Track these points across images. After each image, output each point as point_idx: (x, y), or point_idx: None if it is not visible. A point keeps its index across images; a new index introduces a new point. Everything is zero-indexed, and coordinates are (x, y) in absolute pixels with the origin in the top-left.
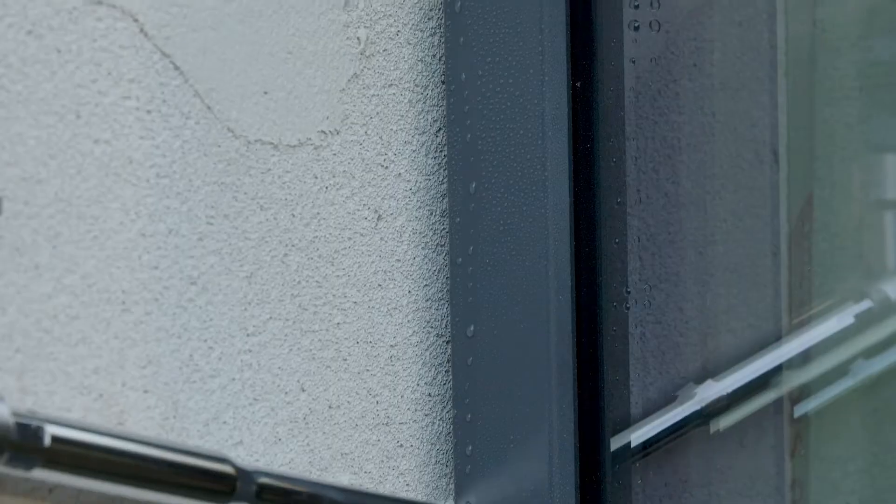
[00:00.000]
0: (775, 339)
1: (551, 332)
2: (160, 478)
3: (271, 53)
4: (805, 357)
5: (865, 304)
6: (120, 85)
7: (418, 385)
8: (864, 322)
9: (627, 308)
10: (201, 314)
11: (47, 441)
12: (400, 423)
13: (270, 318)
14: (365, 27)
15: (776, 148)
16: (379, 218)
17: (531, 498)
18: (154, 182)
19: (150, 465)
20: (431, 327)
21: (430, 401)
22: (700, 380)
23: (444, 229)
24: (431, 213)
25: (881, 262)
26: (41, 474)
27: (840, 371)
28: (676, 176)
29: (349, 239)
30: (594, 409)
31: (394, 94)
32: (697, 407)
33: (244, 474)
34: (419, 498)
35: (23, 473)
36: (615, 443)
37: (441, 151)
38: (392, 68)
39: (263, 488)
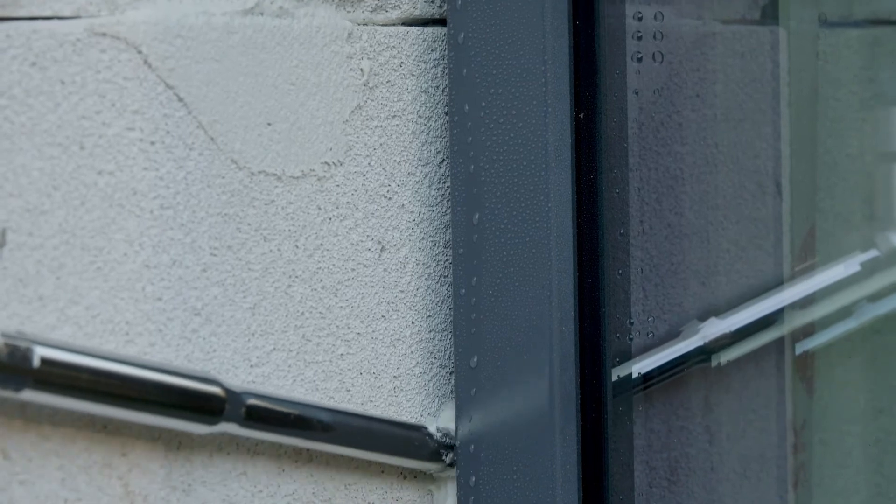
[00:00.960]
0: (781, 282)
1: (555, 363)
2: (149, 399)
3: (275, 85)
4: (810, 300)
5: (872, 253)
6: (124, 116)
7: (422, 416)
8: (869, 269)
9: (630, 339)
10: (205, 345)
11: (36, 362)
12: None
13: (274, 349)
14: (368, 59)
15: (779, 179)
16: (382, 249)
17: None
18: (158, 213)
19: (139, 386)
20: (435, 358)
21: None
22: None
23: (447, 260)
24: (435, 244)
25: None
26: (30, 395)
27: (844, 312)
28: (679, 207)
29: (353, 270)
30: (598, 442)
31: (397, 125)
32: (700, 343)
33: (233, 395)
34: None
35: (12, 395)
36: (616, 373)
37: (444, 182)
38: (395, 100)
39: (252, 409)
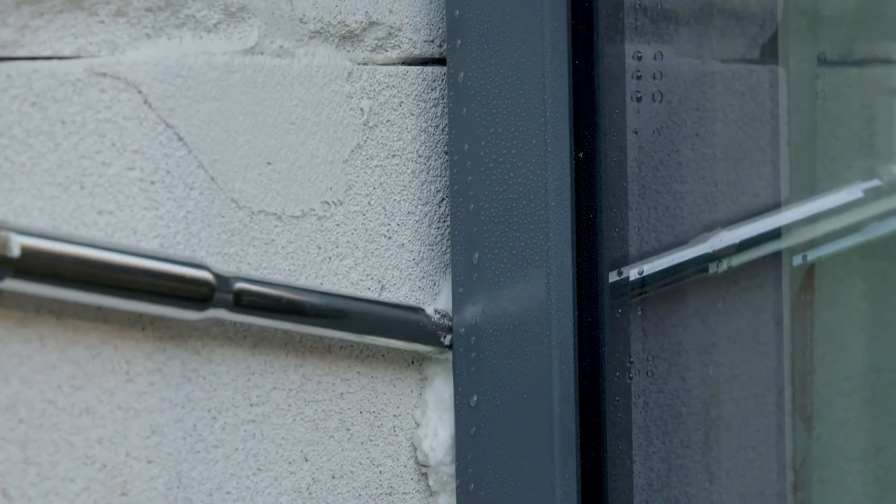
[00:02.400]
0: (784, 203)
1: (554, 402)
2: (136, 286)
3: (275, 124)
4: (814, 219)
5: (874, 182)
6: (124, 156)
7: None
8: (871, 196)
9: (630, 378)
10: (205, 384)
11: (16, 251)
12: (403, 494)
13: (274, 388)
14: (368, 98)
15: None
16: (382, 288)
17: None
18: (158, 253)
19: (125, 273)
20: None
21: None
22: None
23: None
24: (434, 284)
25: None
26: (11, 285)
27: (848, 230)
28: (679, 246)
29: None
30: (597, 479)
31: (397, 164)
32: (708, 251)
33: (222, 280)
34: None
35: None
36: (612, 276)
37: (444, 222)
38: (395, 139)
39: (241, 294)
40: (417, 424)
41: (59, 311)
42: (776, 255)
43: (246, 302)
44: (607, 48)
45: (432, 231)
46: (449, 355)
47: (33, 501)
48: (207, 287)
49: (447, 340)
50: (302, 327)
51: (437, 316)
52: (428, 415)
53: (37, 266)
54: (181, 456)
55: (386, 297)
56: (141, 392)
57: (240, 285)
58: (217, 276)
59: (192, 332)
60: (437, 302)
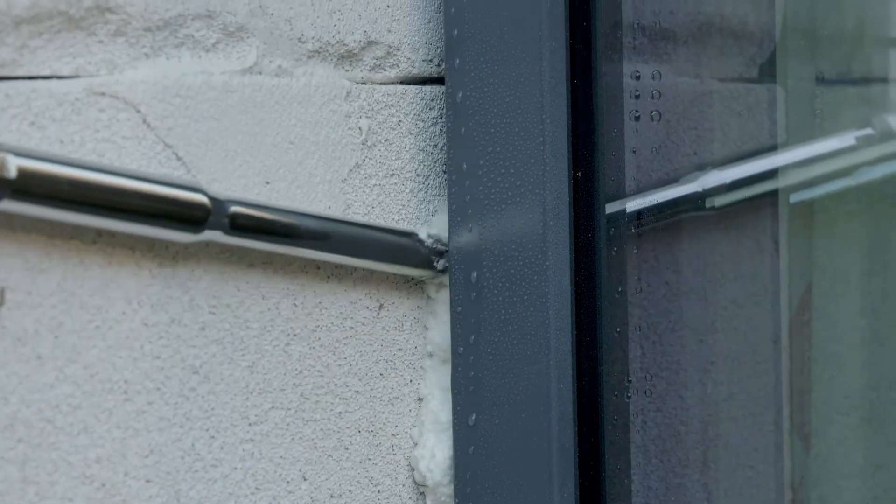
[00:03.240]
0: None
1: (552, 421)
2: (132, 207)
3: (273, 144)
4: (807, 162)
5: (867, 131)
6: None
7: None
8: (864, 143)
9: (628, 397)
10: (203, 403)
11: (12, 172)
12: None
13: (272, 407)
14: (366, 117)
15: (776, 237)
16: (381, 307)
17: None
18: (156, 272)
19: (121, 195)
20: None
21: None
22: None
23: None
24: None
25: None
26: (8, 206)
27: (840, 173)
28: (677, 264)
29: (351, 328)
30: (595, 499)
31: (395, 183)
32: (698, 189)
33: (217, 203)
34: None
35: None
36: (610, 209)
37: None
38: (394, 158)
39: (237, 217)
40: (415, 444)
41: (58, 328)
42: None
43: (241, 225)
44: (605, 67)
45: None
46: (443, 279)
47: None
48: (203, 210)
49: (440, 265)
50: (296, 250)
51: (431, 240)
52: (425, 435)
53: (33, 187)
54: (179, 475)
55: (384, 316)
56: (139, 411)
57: (235, 208)
58: (212, 199)
59: (190, 349)
60: (430, 227)
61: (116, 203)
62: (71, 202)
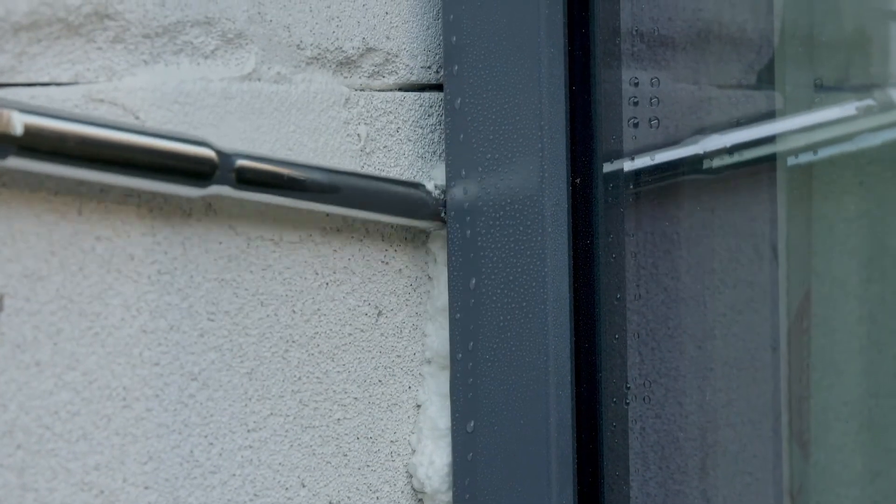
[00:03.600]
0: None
1: (551, 428)
2: (139, 163)
3: (272, 150)
4: (807, 129)
5: (867, 101)
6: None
7: None
8: (864, 112)
9: (627, 404)
10: (202, 410)
11: (19, 129)
12: None
13: (271, 413)
14: (365, 124)
15: (775, 243)
16: (379, 314)
17: None
18: (155, 278)
19: (127, 150)
20: (434, 426)
21: None
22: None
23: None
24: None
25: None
26: (15, 163)
27: (840, 139)
28: (676, 271)
29: (349, 335)
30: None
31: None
32: (699, 151)
33: (224, 157)
34: None
35: None
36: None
37: (441, 248)
38: (392, 164)
39: (243, 170)
40: (413, 451)
41: (57, 335)
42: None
43: (247, 178)
44: (604, 74)
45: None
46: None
47: None
48: (209, 164)
49: (446, 216)
50: (303, 203)
51: (437, 191)
52: (423, 442)
53: (40, 144)
54: (178, 482)
55: (382, 322)
56: (138, 418)
57: (241, 162)
58: (219, 152)
59: (189, 356)
60: (434, 178)
61: (123, 158)
62: (77, 158)
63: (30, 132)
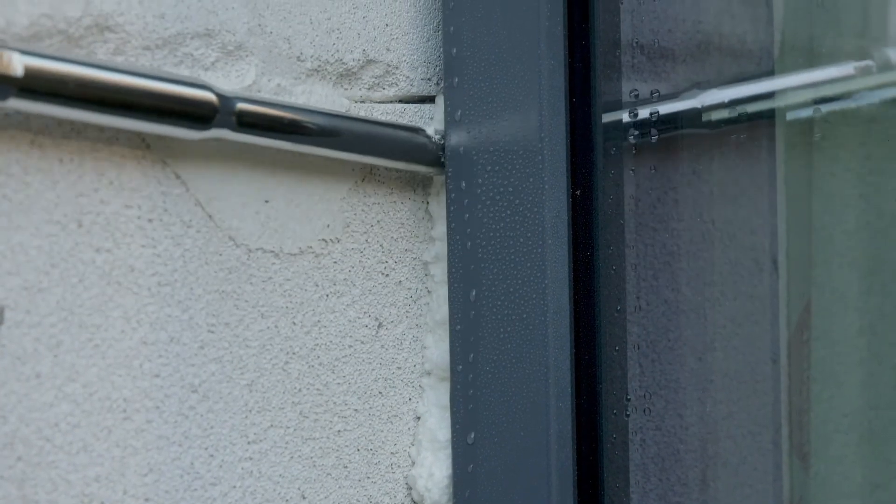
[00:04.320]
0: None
1: (551, 439)
2: (140, 105)
3: (273, 162)
4: (807, 87)
5: (867, 62)
6: (121, 194)
7: None
8: (862, 72)
9: (627, 415)
10: (202, 422)
11: (19, 70)
12: None
13: (271, 425)
14: None
15: (776, 256)
16: (380, 326)
17: None
18: (155, 290)
19: (128, 93)
20: (434, 437)
21: None
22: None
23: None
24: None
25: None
26: (16, 104)
27: (839, 97)
28: (676, 283)
29: (350, 347)
30: None
31: (394, 202)
32: (697, 105)
33: (225, 100)
34: None
35: None
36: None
37: (441, 260)
38: (393, 176)
39: (244, 114)
40: (413, 463)
41: (57, 347)
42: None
43: (248, 121)
44: (604, 86)
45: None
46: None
47: None
48: (210, 107)
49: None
50: (302, 147)
51: (438, 136)
52: (423, 453)
53: (40, 85)
54: (178, 494)
55: (383, 334)
56: (138, 430)
57: (242, 105)
58: (220, 95)
59: (189, 368)
60: (430, 125)
61: (124, 100)
62: (78, 100)
63: (30, 73)
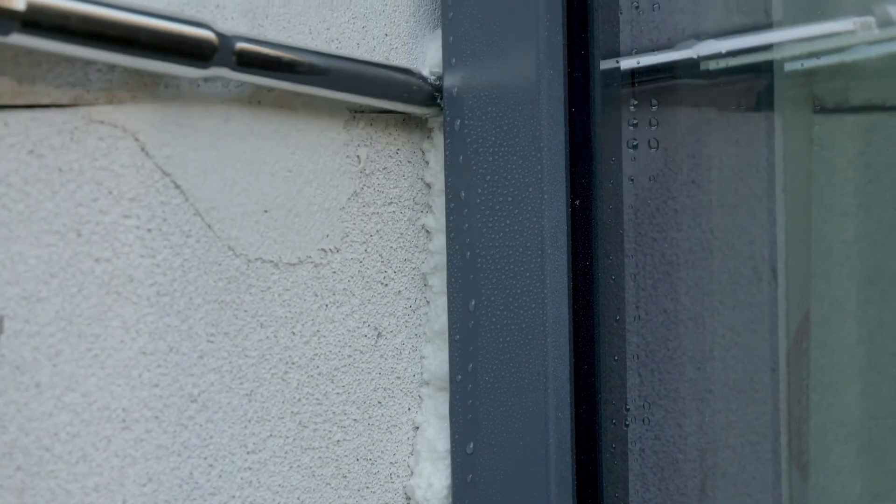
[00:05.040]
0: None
1: (551, 449)
2: (141, 42)
3: (272, 172)
4: (804, 40)
5: (867, 17)
6: (121, 203)
7: None
8: (863, 28)
9: (626, 425)
10: (201, 431)
11: (21, 5)
12: None
13: (270, 435)
14: (365, 145)
15: (775, 265)
16: (379, 335)
17: None
18: (154, 300)
19: (129, 29)
20: (432, 446)
21: None
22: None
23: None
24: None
25: None
26: (18, 39)
27: (837, 49)
28: (675, 293)
29: (349, 356)
30: None
31: (393, 211)
32: (693, 56)
33: (224, 39)
34: None
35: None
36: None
37: (441, 269)
38: (392, 186)
39: (243, 53)
40: (412, 473)
41: (56, 357)
42: None
43: (247, 61)
44: (603, 96)
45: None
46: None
47: None
48: (209, 45)
49: (443, 103)
50: (300, 86)
51: (433, 77)
52: (421, 464)
53: (42, 20)
54: None
55: (382, 344)
56: (138, 439)
57: (241, 45)
58: (219, 34)
59: (189, 378)
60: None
61: (125, 37)
62: (79, 35)
63: (32, 8)
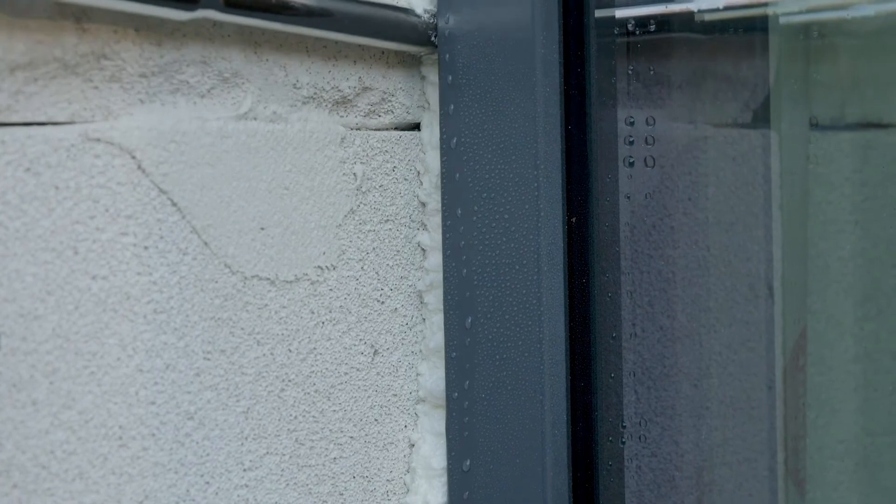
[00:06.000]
0: None
1: (547, 466)
2: None
3: (268, 189)
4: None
5: None
6: (117, 221)
7: None
8: None
9: (623, 442)
10: (198, 449)
11: None
12: None
13: (267, 452)
14: (361, 163)
15: (771, 282)
16: (375, 353)
17: None
18: (151, 318)
19: None
20: (428, 464)
21: None
22: None
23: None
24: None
25: None
26: None
27: (836, 8)
28: (672, 310)
29: (345, 374)
30: None
31: (390, 229)
32: (693, 9)
33: None
34: None
35: None
36: (600, 14)
37: (437, 287)
38: (388, 204)
39: None
40: (408, 490)
41: (53, 374)
42: None
43: (235, 2)
44: (600, 113)
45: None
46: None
47: None
48: None
49: (436, 40)
50: (291, 27)
51: (427, 15)
52: (417, 481)
53: None
54: None
55: (378, 361)
56: (134, 457)
57: None
58: None
59: (185, 395)
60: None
61: None
62: None
63: None
